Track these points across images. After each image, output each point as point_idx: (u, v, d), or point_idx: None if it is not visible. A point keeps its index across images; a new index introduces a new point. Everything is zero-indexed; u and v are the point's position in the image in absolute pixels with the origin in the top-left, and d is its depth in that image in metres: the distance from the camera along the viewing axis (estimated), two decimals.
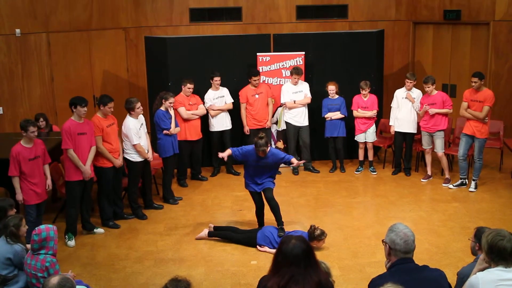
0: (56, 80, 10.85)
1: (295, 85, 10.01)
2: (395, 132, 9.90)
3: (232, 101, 10.04)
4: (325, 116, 10.12)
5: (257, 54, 10.28)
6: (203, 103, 9.81)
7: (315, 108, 10.26)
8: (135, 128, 8.12)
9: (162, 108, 8.77)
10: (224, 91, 10.00)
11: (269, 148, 7.21)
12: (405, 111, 9.72)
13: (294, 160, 7.43)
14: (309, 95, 10.07)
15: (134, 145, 8.13)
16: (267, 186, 7.43)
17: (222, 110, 9.99)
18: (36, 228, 5.43)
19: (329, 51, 10.58)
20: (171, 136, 8.84)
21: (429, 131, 9.39)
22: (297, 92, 10.03)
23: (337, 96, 10.09)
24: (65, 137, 7.30)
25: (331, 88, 9.99)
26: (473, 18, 11.65)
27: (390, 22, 12.74)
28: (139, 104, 8.16)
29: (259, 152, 7.12)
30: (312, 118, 10.29)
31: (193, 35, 11.61)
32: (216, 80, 9.81)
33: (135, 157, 8.21)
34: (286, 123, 10.25)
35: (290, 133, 10.24)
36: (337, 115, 10.06)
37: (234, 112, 10.16)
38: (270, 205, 7.45)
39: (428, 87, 9.23)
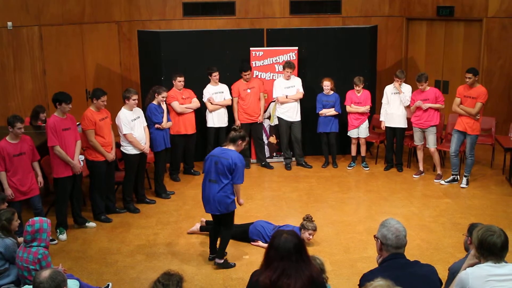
0: (49, 74, 10.79)
1: (287, 79, 10.00)
2: (386, 127, 9.93)
3: (231, 98, 10.04)
4: (320, 112, 10.12)
5: (250, 48, 10.27)
6: (196, 97, 9.78)
7: (308, 104, 10.26)
8: (125, 118, 8.09)
9: (155, 102, 8.75)
10: (224, 87, 9.98)
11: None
12: (395, 106, 9.74)
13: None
14: (301, 90, 10.07)
15: (124, 135, 8.10)
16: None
17: (221, 106, 9.97)
18: (29, 220, 5.45)
19: (323, 47, 10.58)
20: (163, 131, 8.83)
21: (421, 127, 9.42)
22: (290, 87, 10.03)
23: (332, 92, 10.09)
24: (51, 134, 7.21)
25: (326, 84, 9.99)
26: (466, 15, 11.69)
27: (384, 18, 12.75)
28: (135, 97, 8.12)
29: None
30: (305, 114, 10.30)
31: (186, 30, 11.57)
32: (214, 76, 9.79)
33: (129, 150, 8.19)
34: (278, 118, 10.25)
35: (282, 128, 10.25)
36: (331, 111, 10.07)
37: (230, 108, 10.16)
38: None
39: (421, 85, 9.25)
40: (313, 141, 10.66)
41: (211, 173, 6.48)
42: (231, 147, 6.55)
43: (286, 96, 10.02)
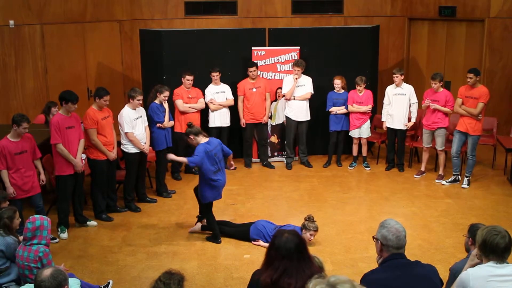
0: (50, 72, 10.80)
1: (295, 78, 9.96)
2: (387, 128, 9.93)
3: (233, 97, 10.03)
4: (330, 110, 10.12)
5: (252, 48, 10.26)
6: (204, 97, 9.79)
7: (310, 103, 10.23)
8: (128, 116, 8.11)
9: (156, 101, 8.76)
10: (225, 87, 9.97)
11: (200, 140, 7.12)
12: (396, 107, 9.74)
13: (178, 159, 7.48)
14: (310, 89, 10.01)
15: (125, 133, 8.11)
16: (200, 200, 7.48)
17: (223, 106, 9.97)
18: (30, 217, 5.46)
19: (324, 46, 10.57)
20: (165, 130, 8.83)
21: (430, 129, 9.39)
22: (299, 86, 9.97)
23: (342, 91, 10.09)
24: (54, 131, 7.21)
25: (337, 82, 9.99)
26: (468, 15, 11.68)
27: (386, 18, 12.75)
28: (140, 97, 8.15)
29: (186, 140, 7.26)
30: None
31: (188, 29, 11.58)
32: (213, 76, 9.79)
33: (129, 148, 8.20)
34: (286, 117, 10.24)
35: (289, 128, 10.22)
36: (342, 110, 10.07)
37: (233, 108, 10.15)
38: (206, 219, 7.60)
39: (435, 83, 9.20)
40: (314, 141, 10.65)
41: (214, 165, 7.09)
42: (206, 137, 7.20)
43: (294, 97, 9.99)
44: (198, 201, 7.68)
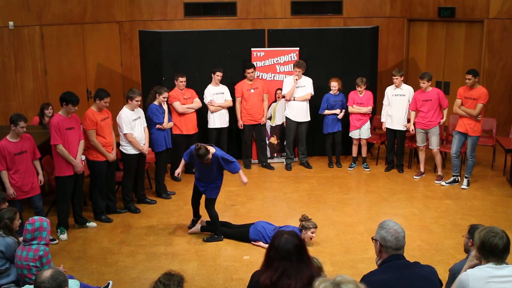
0: (50, 74, 10.81)
1: (296, 79, 9.96)
2: (387, 128, 9.93)
3: (231, 98, 10.03)
4: (324, 113, 10.11)
5: (252, 49, 10.27)
6: (199, 97, 9.78)
7: (310, 104, 10.23)
8: (127, 117, 8.11)
9: (156, 103, 8.76)
10: (224, 88, 9.97)
11: (212, 151, 7.09)
12: (396, 108, 9.75)
13: (242, 176, 7.38)
14: (310, 90, 10.02)
15: (124, 135, 8.12)
16: (208, 196, 7.43)
17: (223, 107, 9.97)
18: (29, 219, 5.46)
19: (324, 47, 10.58)
20: (164, 131, 8.83)
21: (424, 128, 9.41)
22: (299, 87, 9.97)
23: (338, 92, 10.09)
24: (54, 132, 7.22)
25: (334, 85, 10.00)
26: (468, 16, 11.68)
27: (385, 18, 12.75)
28: (138, 98, 8.15)
29: (203, 162, 7.07)
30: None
31: (188, 30, 11.57)
32: (217, 75, 9.79)
33: (128, 150, 8.20)
34: (286, 118, 10.24)
35: (289, 129, 10.22)
36: (338, 112, 10.07)
37: (231, 109, 10.15)
38: (209, 215, 7.48)
39: (424, 83, 9.24)
40: (315, 142, 10.65)
41: None
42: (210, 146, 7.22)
43: (294, 98, 9.99)
44: (194, 211, 7.75)
